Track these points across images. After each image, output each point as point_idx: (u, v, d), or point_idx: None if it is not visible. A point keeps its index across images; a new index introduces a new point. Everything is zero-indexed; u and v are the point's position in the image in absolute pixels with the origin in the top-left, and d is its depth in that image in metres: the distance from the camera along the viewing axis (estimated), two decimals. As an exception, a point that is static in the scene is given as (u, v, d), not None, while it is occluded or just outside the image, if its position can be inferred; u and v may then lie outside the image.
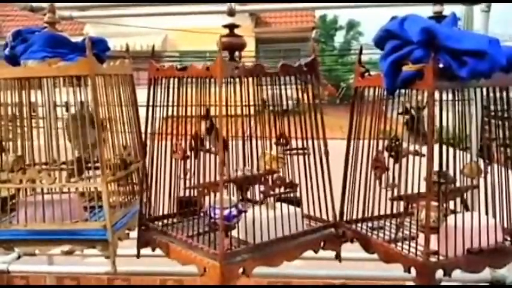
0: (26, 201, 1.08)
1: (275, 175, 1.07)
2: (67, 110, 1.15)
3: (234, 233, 1.00)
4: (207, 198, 1.01)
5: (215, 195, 0.96)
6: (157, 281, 2.26)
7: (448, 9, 1.03)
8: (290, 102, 1.10)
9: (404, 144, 1.03)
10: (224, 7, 1.36)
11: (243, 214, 0.98)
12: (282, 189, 1.06)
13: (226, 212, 0.94)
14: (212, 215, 0.96)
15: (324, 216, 1.10)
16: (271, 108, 1.10)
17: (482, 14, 1.44)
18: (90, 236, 1.05)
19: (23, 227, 1.06)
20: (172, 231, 1.07)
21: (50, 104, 1.25)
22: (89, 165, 1.11)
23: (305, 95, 1.08)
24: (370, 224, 1.11)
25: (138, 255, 1.13)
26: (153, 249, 1.10)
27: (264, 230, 0.99)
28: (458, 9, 1.48)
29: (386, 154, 1.05)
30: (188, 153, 1.04)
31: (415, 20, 0.95)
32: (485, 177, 1.00)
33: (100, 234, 1.04)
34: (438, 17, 1.00)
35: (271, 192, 1.05)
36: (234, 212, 0.96)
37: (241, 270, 0.95)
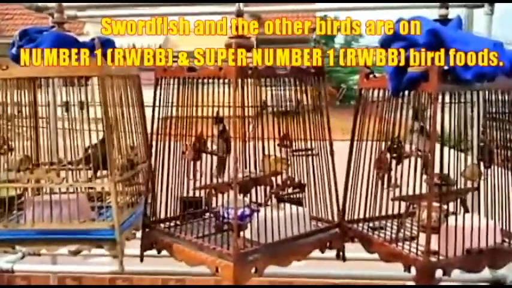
0: (33, 201, 1.08)
1: (283, 176, 1.07)
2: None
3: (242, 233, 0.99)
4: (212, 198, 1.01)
5: (228, 196, 0.96)
6: (160, 281, 2.25)
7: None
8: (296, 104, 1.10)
9: (407, 146, 1.04)
10: (228, 8, 1.36)
11: (255, 214, 0.98)
12: (290, 190, 1.07)
13: (239, 211, 0.95)
14: (225, 215, 0.97)
15: (327, 216, 1.11)
16: (278, 109, 1.10)
17: (486, 17, 1.44)
18: (97, 235, 1.05)
19: (30, 226, 1.06)
20: (180, 232, 1.06)
21: (56, 104, 1.25)
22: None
23: (312, 97, 1.09)
24: (371, 224, 1.12)
25: (141, 258, 1.12)
26: (159, 251, 1.09)
27: (274, 230, 0.99)
28: (458, 12, 1.48)
29: (388, 155, 1.06)
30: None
31: (421, 22, 0.96)
32: (485, 180, 1.01)
33: (108, 234, 1.04)
34: (444, 20, 1.02)
35: (281, 193, 1.05)
36: (247, 211, 0.97)
37: (253, 270, 0.95)
